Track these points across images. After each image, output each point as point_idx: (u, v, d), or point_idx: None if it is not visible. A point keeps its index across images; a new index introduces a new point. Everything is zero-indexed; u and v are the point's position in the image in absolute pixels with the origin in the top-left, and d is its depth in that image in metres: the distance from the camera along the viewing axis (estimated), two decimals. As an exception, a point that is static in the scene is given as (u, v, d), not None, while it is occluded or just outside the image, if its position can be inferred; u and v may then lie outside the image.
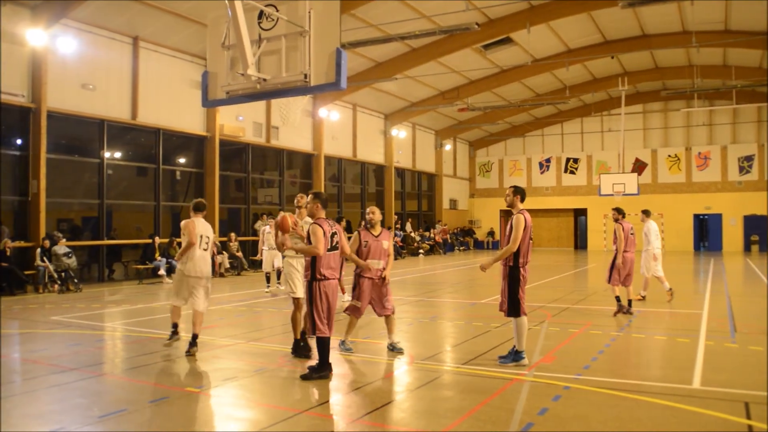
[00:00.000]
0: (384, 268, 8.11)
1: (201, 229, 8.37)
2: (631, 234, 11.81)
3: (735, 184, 34.64)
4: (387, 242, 8.16)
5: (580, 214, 39.30)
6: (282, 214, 7.48)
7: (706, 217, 35.76)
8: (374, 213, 8.25)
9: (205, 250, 8.39)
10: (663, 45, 25.54)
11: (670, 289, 13.06)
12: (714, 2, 21.73)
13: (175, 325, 8.64)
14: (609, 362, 7.89)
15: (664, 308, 12.39)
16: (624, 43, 26.39)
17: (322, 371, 6.78)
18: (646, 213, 13.81)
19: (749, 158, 34.33)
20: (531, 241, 7.53)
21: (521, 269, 7.34)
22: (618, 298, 11.52)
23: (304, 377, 6.79)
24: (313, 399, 6.21)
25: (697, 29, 22.92)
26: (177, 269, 8.60)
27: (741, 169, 34.56)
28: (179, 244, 8.37)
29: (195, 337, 8.19)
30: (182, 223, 8.47)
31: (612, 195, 26.86)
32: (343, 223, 14.37)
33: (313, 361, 7.21)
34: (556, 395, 6.12)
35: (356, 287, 8.09)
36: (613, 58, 27.25)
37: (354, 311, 8.09)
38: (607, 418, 5.48)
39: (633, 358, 8.32)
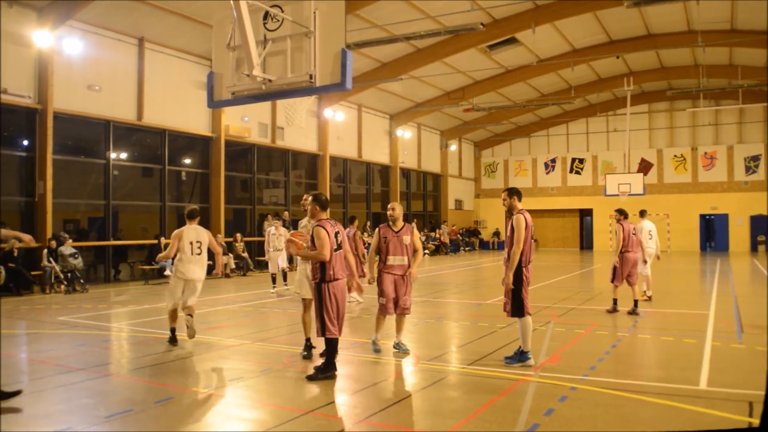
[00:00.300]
0: (409, 265, 8.00)
1: (192, 236, 8.69)
2: (633, 234, 11.92)
3: (741, 184, 34.50)
4: (408, 237, 8.02)
5: (585, 214, 39.20)
6: (288, 238, 7.41)
7: (712, 217, 35.63)
8: (394, 209, 8.12)
9: (198, 255, 8.70)
10: (668, 45, 25.45)
11: (645, 291, 13.26)
12: (720, 2, 21.66)
13: (173, 330, 8.88)
14: (615, 363, 7.88)
15: (670, 309, 12.41)
16: (629, 42, 26.32)
17: (328, 372, 6.78)
18: (641, 213, 13.84)
19: (756, 158, 34.19)
20: (534, 241, 7.54)
21: (524, 269, 7.32)
22: (615, 301, 11.74)
23: (309, 378, 6.78)
24: (319, 399, 6.21)
25: (703, 29, 22.85)
26: (172, 273, 8.95)
27: (747, 169, 34.42)
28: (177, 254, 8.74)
29: (190, 315, 8.65)
30: (173, 232, 8.78)
31: (618, 195, 26.75)
32: (356, 223, 14.41)
33: (320, 361, 7.20)
34: (562, 396, 6.12)
35: (379, 284, 8.01)
36: (618, 57, 27.19)
37: (381, 309, 7.98)
38: (613, 419, 5.48)
39: (639, 359, 8.33)
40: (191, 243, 8.65)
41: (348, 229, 14.01)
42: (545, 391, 6.29)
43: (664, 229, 33.70)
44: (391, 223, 8.11)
